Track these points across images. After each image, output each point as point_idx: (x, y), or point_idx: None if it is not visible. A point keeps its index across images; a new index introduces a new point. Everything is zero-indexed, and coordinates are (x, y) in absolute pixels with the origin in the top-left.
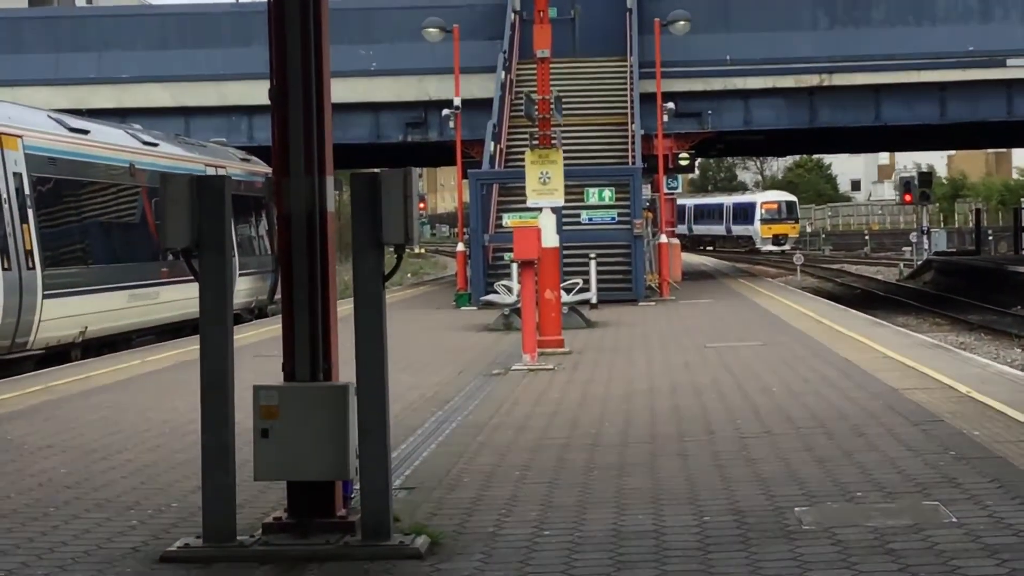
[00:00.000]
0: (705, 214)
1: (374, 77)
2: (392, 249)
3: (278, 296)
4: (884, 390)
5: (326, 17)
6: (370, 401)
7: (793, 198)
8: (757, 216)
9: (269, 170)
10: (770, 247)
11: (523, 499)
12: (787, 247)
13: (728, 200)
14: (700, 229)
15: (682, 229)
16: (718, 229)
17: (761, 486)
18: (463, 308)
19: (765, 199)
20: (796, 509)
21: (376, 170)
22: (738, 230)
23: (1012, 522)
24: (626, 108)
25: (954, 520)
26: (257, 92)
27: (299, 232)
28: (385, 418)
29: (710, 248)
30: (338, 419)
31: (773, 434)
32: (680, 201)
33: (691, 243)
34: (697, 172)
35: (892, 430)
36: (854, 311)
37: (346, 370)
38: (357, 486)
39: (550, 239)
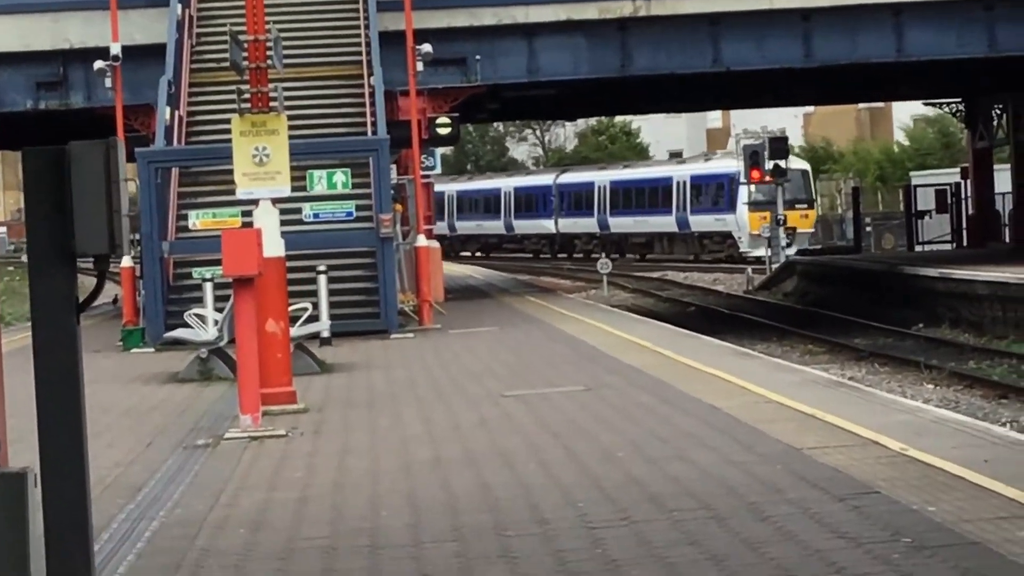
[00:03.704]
0: (632, 198)
1: None
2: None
3: None
4: (780, 450)
5: None
6: (65, 494)
7: (805, 165)
8: (742, 196)
9: None
10: (765, 251)
11: None
12: (794, 249)
13: (682, 172)
14: (622, 224)
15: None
16: (661, 222)
17: None
18: (135, 350)
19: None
20: None
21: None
22: (702, 223)
23: None
24: (360, 54)
25: None
26: None
27: None
28: (87, 518)
29: (633, 257)
30: (9, 524)
31: (635, 521)
32: (585, 177)
33: (605, 247)
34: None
35: (809, 509)
36: (706, 337)
37: (17, 451)
38: None
39: (274, 246)
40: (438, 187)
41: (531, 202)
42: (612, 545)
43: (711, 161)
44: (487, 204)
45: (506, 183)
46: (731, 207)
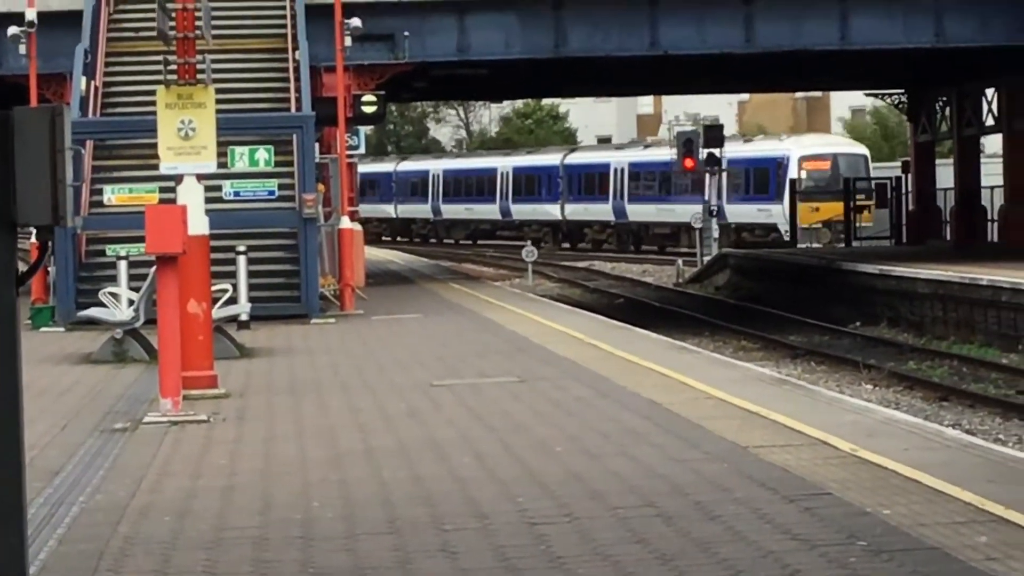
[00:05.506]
0: (656, 183)
1: None
2: (32, 234)
3: None
4: (726, 448)
5: None
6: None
7: (863, 149)
8: (791, 183)
9: None
10: (815, 247)
11: None
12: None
13: (727, 153)
14: (642, 212)
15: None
16: (690, 211)
17: None
18: (45, 329)
19: (807, 151)
20: None
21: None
22: (741, 213)
23: None
24: (284, 27)
25: None
26: None
27: None
28: (22, 495)
29: (646, 248)
30: None
31: (578, 518)
32: (599, 157)
33: (620, 238)
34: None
35: (758, 509)
36: (639, 329)
37: None
38: None
39: (198, 223)
40: (422, 165)
41: (533, 184)
42: (555, 542)
43: (753, 143)
44: (480, 185)
45: (504, 162)
46: (777, 196)
